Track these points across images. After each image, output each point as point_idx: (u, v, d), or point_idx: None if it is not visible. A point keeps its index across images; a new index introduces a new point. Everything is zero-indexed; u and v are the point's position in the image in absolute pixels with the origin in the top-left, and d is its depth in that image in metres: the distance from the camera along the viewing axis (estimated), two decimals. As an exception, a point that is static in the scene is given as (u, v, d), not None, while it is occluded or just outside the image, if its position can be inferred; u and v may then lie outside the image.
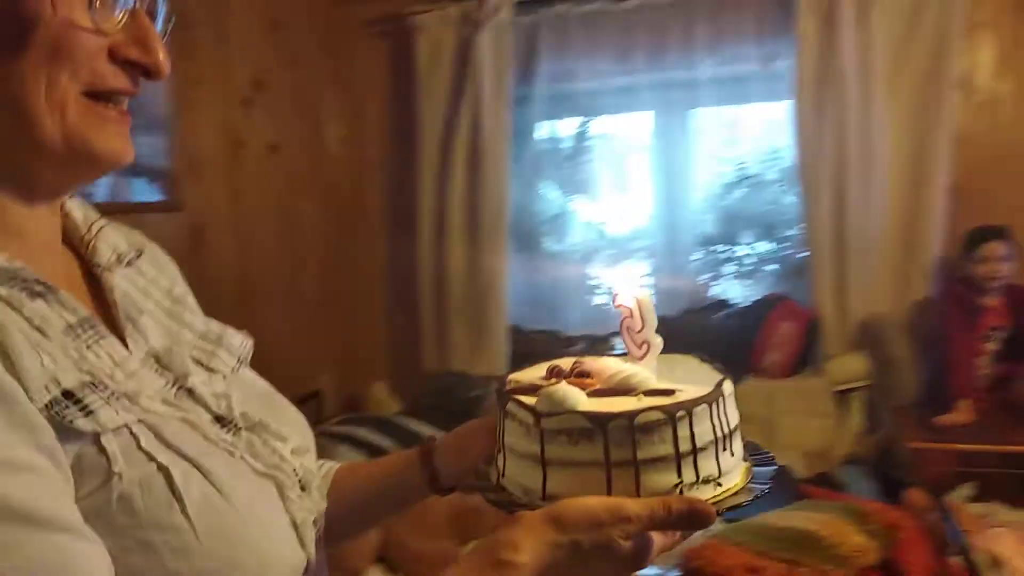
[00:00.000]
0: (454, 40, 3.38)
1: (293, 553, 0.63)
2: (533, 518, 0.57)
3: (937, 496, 2.46)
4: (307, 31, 3.52)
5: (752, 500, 0.62)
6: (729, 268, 3.56)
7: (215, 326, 0.76)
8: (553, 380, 0.67)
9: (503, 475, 0.67)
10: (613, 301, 0.69)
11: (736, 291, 3.60)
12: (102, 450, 0.53)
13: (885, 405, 2.95)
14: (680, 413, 0.60)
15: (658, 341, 0.69)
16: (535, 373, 0.71)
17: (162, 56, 0.59)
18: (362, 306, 3.75)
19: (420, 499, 0.81)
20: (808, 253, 3.21)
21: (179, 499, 0.55)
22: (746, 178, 3.44)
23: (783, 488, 2.28)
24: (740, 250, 3.52)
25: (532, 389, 0.66)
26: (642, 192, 3.65)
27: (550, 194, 3.71)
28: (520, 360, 0.83)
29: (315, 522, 0.69)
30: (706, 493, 0.61)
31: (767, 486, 0.63)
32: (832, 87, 3.05)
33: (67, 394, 0.52)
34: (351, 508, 0.80)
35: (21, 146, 0.56)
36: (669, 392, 0.63)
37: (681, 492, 0.59)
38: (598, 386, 0.66)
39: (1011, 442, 2.54)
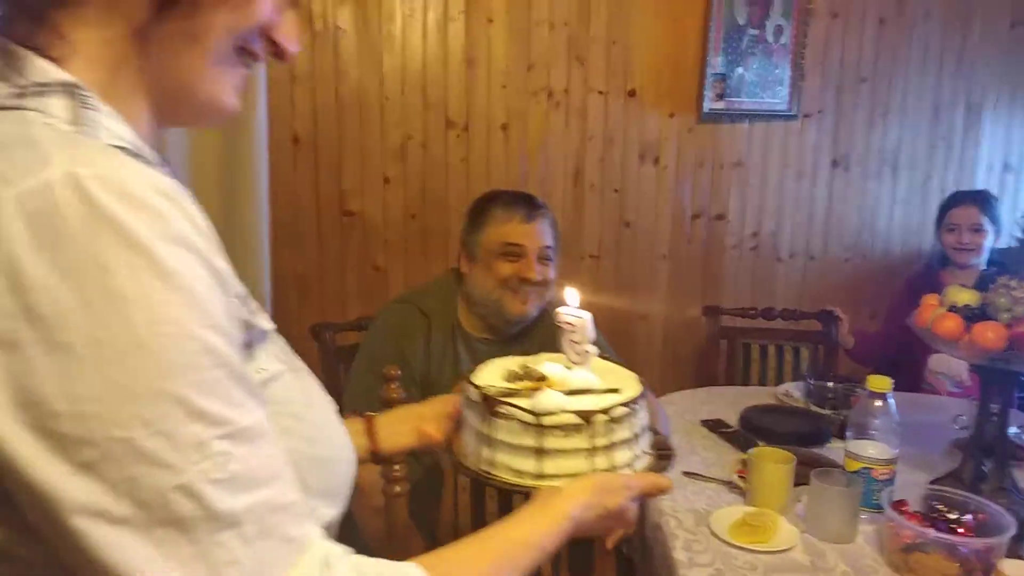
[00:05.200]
0: None
1: (351, 450, 0.74)
2: (577, 486, 0.80)
3: None
4: None
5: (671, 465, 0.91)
6: None
7: None
8: (526, 383, 0.86)
9: (493, 463, 0.84)
10: (557, 318, 0.88)
11: None
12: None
13: None
14: (636, 406, 0.84)
15: (594, 350, 0.89)
16: (492, 376, 0.90)
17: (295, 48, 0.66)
18: None
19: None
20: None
21: (305, 394, 0.68)
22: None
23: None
24: None
25: (510, 394, 0.85)
26: None
27: None
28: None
29: None
30: (643, 462, 0.87)
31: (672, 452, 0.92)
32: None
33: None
34: None
35: (181, 71, 0.59)
36: (615, 391, 0.86)
37: (633, 465, 0.84)
38: (555, 387, 0.85)
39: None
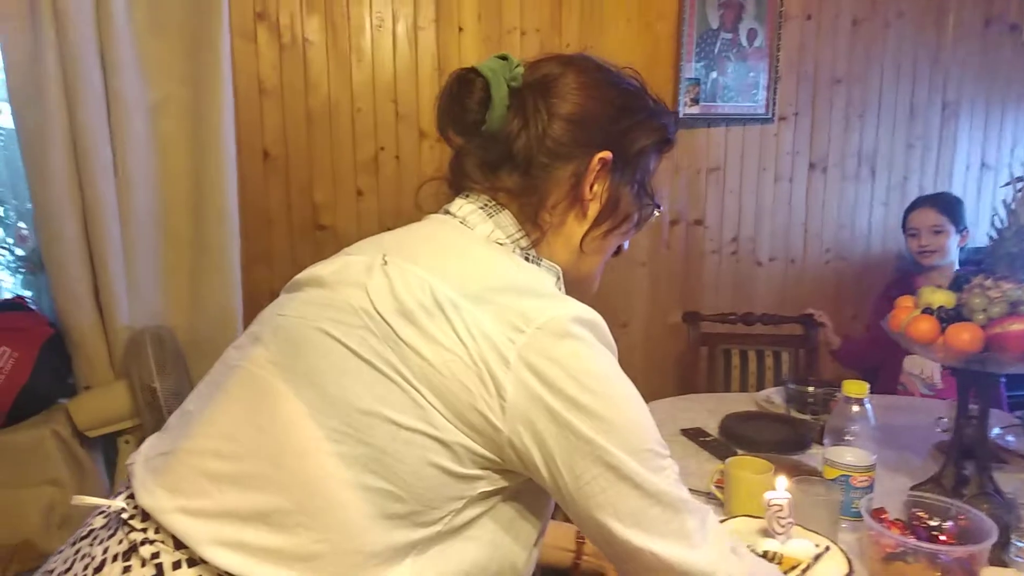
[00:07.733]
0: None
1: None
2: None
3: None
4: None
5: None
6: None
7: None
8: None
9: None
10: (767, 500, 1.08)
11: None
12: None
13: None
14: (847, 571, 1.07)
15: (793, 524, 1.09)
16: None
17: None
18: None
19: None
20: (44, 238, 2.22)
21: None
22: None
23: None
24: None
25: None
26: None
27: None
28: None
29: None
30: None
31: None
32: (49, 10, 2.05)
33: None
34: None
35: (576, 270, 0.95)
36: (826, 549, 1.11)
37: None
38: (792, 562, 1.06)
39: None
